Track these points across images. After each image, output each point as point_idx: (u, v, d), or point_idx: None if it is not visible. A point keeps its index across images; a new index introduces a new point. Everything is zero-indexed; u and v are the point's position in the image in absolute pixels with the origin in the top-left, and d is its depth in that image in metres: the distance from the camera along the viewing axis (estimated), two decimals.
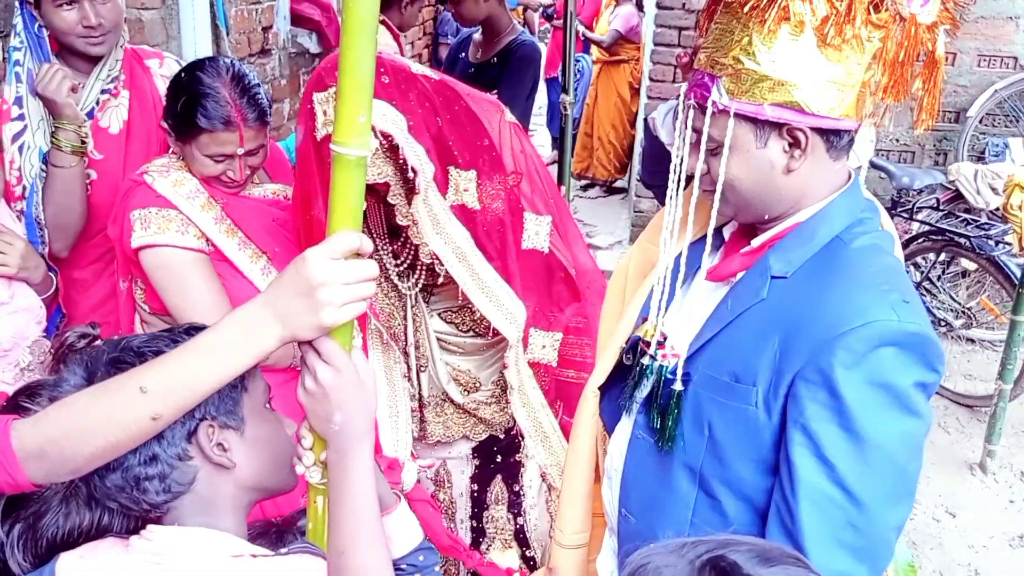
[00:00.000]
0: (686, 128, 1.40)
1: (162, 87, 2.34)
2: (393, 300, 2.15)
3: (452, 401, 2.21)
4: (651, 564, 0.87)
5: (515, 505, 2.27)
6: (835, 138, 1.35)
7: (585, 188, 7.78)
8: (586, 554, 1.70)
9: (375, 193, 1.92)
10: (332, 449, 1.16)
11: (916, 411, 1.23)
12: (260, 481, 1.22)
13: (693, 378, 1.38)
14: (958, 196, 5.01)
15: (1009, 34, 5.58)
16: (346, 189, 1.14)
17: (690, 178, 1.45)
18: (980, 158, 5.60)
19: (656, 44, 5.69)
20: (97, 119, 2.26)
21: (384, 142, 1.79)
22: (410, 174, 1.81)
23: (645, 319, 1.51)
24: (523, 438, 2.20)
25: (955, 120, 5.71)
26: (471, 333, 2.16)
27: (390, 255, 2.08)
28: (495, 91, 3.56)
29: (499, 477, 2.26)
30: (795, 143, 1.32)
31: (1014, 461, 4.06)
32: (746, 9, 1.30)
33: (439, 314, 2.16)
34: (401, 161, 1.80)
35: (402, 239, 2.04)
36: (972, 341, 4.88)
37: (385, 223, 2.07)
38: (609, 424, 1.58)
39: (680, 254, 1.47)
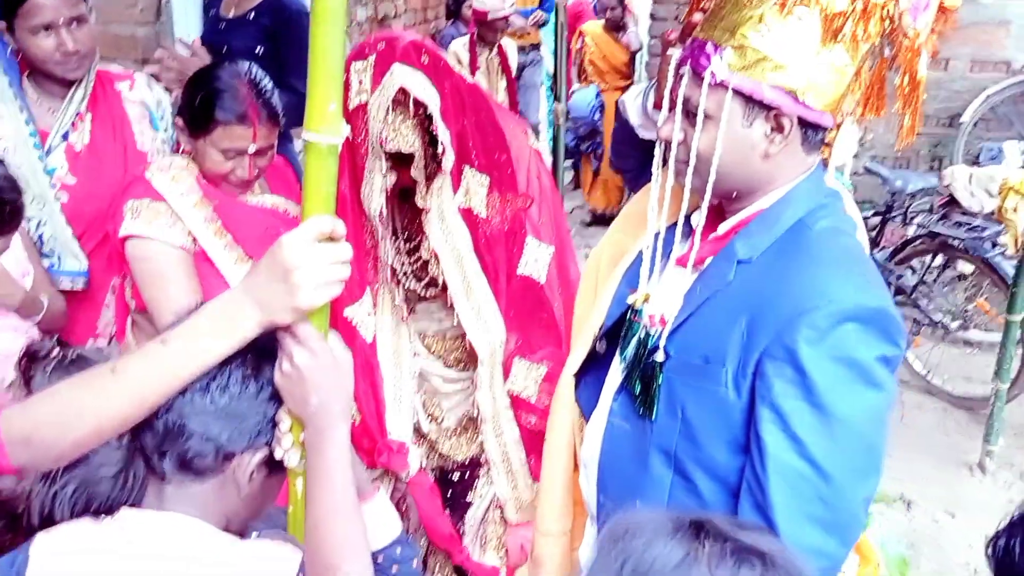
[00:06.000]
0: (676, 94, 1.40)
1: (131, 111, 2.39)
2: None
3: (417, 427, 2.20)
4: (631, 521, 0.89)
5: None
6: (812, 132, 1.38)
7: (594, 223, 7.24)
8: (568, 542, 1.72)
9: (392, 188, 1.93)
10: (309, 430, 1.19)
11: (880, 384, 1.26)
12: (235, 516, 1.24)
13: (667, 361, 1.40)
14: (953, 200, 5.03)
15: (1001, 39, 5.62)
16: (318, 176, 1.18)
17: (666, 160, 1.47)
18: (975, 163, 5.61)
19: (652, 55, 5.75)
20: (72, 143, 2.30)
21: (417, 112, 1.81)
22: (439, 149, 1.83)
23: (632, 290, 1.53)
24: (479, 478, 2.18)
25: (949, 125, 5.74)
26: (442, 363, 2.16)
27: (404, 254, 2.08)
28: (260, 51, 3.08)
29: (447, 513, 2.23)
30: (778, 128, 1.35)
31: (1013, 461, 4.04)
32: None
33: (418, 334, 2.17)
34: (431, 134, 1.82)
35: (415, 239, 2.05)
36: (970, 344, 4.89)
37: (399, 221, 2.07)
38: (586, 411, 1.60)
39: (657, 233, 1.50)
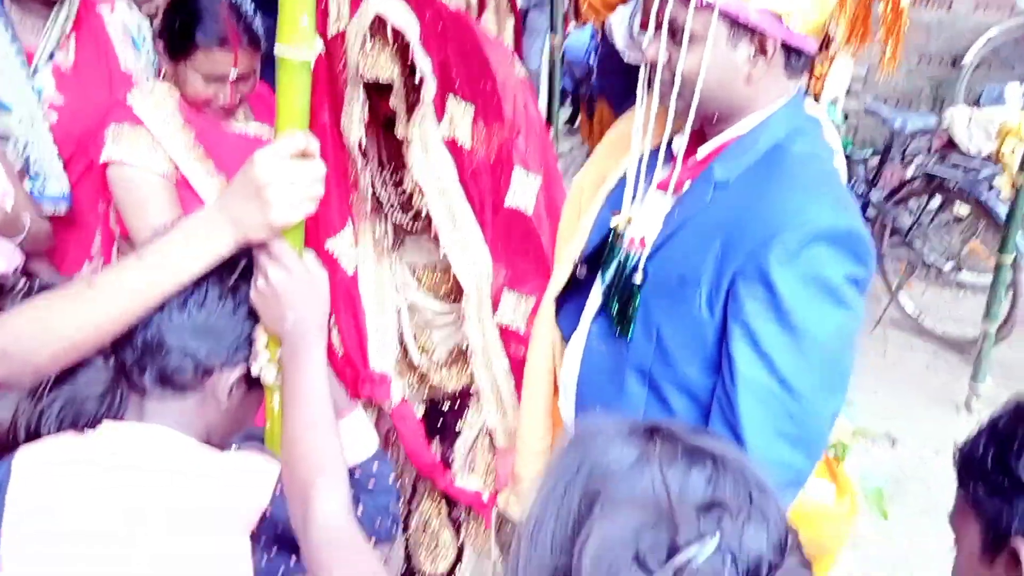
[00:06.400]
0: (663, 15, 1.39)
1: (114, 33, 2.35)
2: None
3: (407, 357, 2.20)
4: (592, 425, 0.91)
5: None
6: (795, 57, 1.39)
7: None
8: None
9: (376, 118, 1.91)
10: (286, 347, 1.20)
11: (848, 304, 1.29)
12: (215, 431, 1.26)
13: (644, 283, 1.42)
14: (952, 142, 4.99)
15: None
16: (290, 91, 1.17)
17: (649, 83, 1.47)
18: (977, 104, 5.56)
19: None
20: (58, 63, 2.25)
21: (395, 40, 1.77)
22: (417, 78, 1.79)
23: (615, 213, 1.53)
24: (469, 407, 2.18)
25: (952, 66, 5.68)
26: (432, 295, 2.15)
27: (389, 186, 2.06)
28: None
29: (437, 439, 2.25)
30: (761, 51, 1.35)
31: (999, 401, 4.00)
32: None
33: (408, 266, 2.15)
34: (409, 63, 1.79)
35: (399, 171, 2.02)
36: (962, 286, 4.90)
37: (384, 152, 2.05)
38: (566, 334, 1.62)
39: (641, 157, 1.50)
